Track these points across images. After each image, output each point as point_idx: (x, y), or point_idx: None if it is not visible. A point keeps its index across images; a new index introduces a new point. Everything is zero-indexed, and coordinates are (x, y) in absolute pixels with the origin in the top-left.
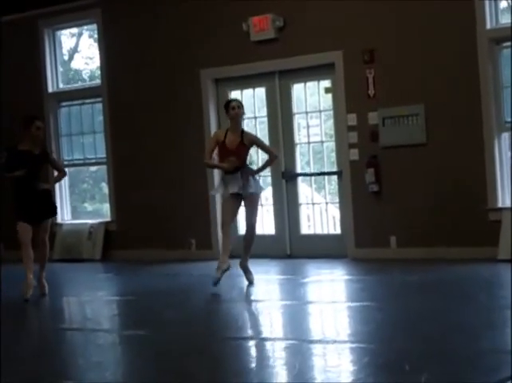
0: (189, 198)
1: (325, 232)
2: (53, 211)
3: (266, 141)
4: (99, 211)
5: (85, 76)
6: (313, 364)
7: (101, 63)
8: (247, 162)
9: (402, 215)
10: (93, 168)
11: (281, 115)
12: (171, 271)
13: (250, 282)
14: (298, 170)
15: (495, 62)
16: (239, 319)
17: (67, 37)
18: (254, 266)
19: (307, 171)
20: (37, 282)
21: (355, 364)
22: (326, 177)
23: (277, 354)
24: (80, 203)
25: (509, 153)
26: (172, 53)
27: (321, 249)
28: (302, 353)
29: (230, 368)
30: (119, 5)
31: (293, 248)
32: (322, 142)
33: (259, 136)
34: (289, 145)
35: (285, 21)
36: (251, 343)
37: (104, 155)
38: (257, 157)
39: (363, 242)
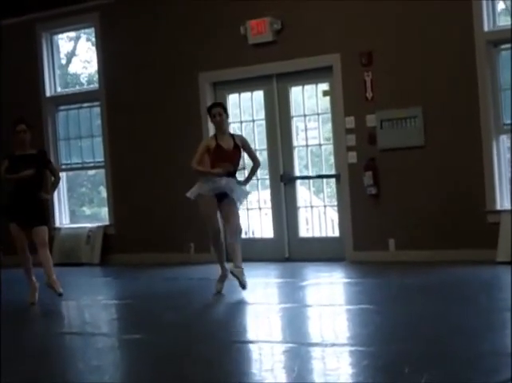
0: (187, 201)
1: (324, 235)
2: (40, 220)
3: (264, 144)
4: (97, 214)
5: (83, 80)
6: (312, 367)
7: (99, 67)
8: (239, 167)
9: (400, 218)
10: (91, 172)
11: (279, 118)
12: (170, 275)
13: (223, 278)
14: (297, 173)
15: (493, 64)
16: (238, 322)
17: (65, 41)
18: (253, 270)
19: (305, 174)
20: (49, 285)
21: (354, 367)
22: (324, 180)
23: (276, 357)
24: (79, 206)
25: (507, 155)
26: (170, 57)
27: (320, 252)
28: (301, 357)
29: (229, 371)
30: (116, 9)
31: (292, 251)
32: (320, 145)
33: (257, 139)
34: (288, 148)
35: (283, 24)
36: (250, 346)
37: (103, 159)
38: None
39: (361, 245)
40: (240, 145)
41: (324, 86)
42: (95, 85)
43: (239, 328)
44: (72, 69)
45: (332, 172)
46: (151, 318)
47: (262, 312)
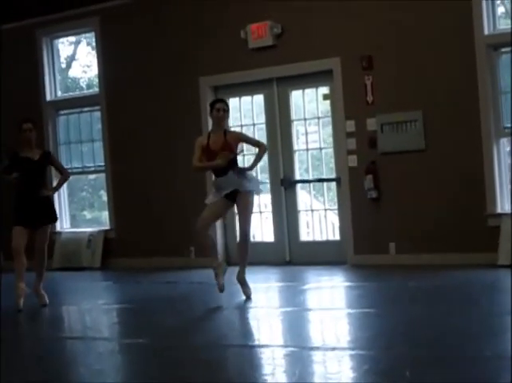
0: (188, 205)
1: (324, 239)
2: (51, 217)
3: None
4: (98, 219)
5: (83, 84)
6: (313, 371)
7: (99, 71)
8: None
9: (401, 222)
10: (92, 176)
11: (279, 122)
12: (171, 279)
13: (247, 297)
14: (297, 177)
15: (493, 68)
16: (239, 326)
17: (65, 46)
18: (254, 274)
19: (306, 177)
20: (36, 293)
21: (355, 371)
22: (325, 184)
23: (277, 361)
24: (79, 211)
25: (508, 159)
26: (171, 61)
27: (321, 255)
28: (302, 360)
29: (230, 375)
30: (117, 14)
31: (293, 255)
32: (321, 149)
33: None
34: (288, 152)
35: (283, 28)
36: (251, 350)
37: (103, 164)
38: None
39: (362, 249)
40: (232, 142)
41: (325, 90)
42: (95, 90)
43: (240, 332)
44: (72, 73)
45: (333, 176)
46: (152, 322)
47: (263, 316)
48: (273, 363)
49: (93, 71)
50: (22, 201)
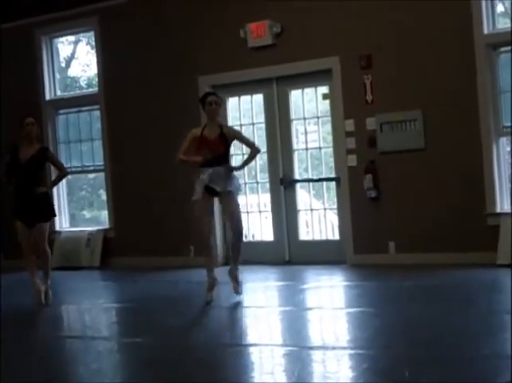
0: (187, 204)
1: (324, 238)
2: (46, 215)
3: (264, 148)
4: (97, 218)
5: (83, 83)
6: (313, 370)
7: (99, 70)
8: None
9: (400, 221)
10: (91, 175)
11: (278, 121)
12: (170, 278)
13: (237, 293)
14: (296, 176)
15: (493, 67)
16: (238, 326)
17: (64, 45)
18: (253, 273)
19: (305, 177)
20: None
21: (354, 370)
22: (324, 183)
23: (276, 361)
24: (79, 210)
25: (507, 158)
26: (170, 60)
27: (320, 255)
28: (301, 360)
29: (229, 375)
30: (116, 13)
31: (292, 254)
32: (320, 148)
33: (257, 142)
34: (287, 151)
35: (283, 27)
36: (250, 350)
37: (102, 163)
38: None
39: (361, 248)
40: (228, 136)
41: (324, 89)
42: (94, 89)
43: (239, 331)
44: (71, 72)
45: (332, 175)
46: (151, 322)
47: (262, 315)
48: (272, 362)
49: (93, 70)
50: (19, 198)
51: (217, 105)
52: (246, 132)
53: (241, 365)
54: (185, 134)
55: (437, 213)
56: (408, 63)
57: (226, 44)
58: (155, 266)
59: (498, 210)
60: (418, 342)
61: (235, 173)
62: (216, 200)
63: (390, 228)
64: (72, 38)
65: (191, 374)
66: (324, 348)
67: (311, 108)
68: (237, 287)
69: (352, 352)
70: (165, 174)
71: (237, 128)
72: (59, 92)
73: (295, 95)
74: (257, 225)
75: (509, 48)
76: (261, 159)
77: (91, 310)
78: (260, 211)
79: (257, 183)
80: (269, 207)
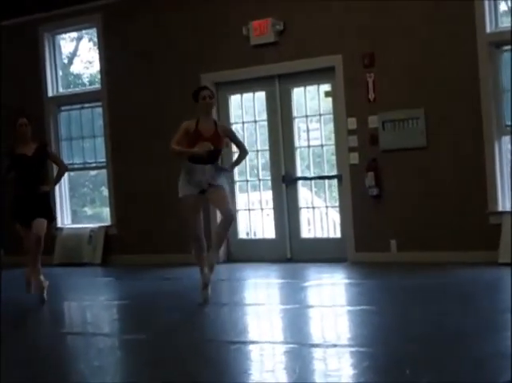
0: None
1: (325, 236)
2: (47, 213)
3: (266, 145)
4: (99, 215)
5: (85, 80)
6: (314, 368)
7: (101, 67)
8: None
9: (402, 219)
10: (93, 172)
11: (281, 119)
12: (172, 275)
13: (205, 285)
14: (298, 174)
15: (495, 66)
16: (239, 323)
17: (67, 42)
18: (254, 270)
19: (307, 175)
20: (27, 281)
21: (355, 368)
22: (326, 181)
23: (278, 358)
24: (80, 207)
25: (509, 156)
26: (172, 57)
27: (321, 253)
28: (302, 357)
29: (230, 372)
30: (119, 10)
31: (294, 252)
32: (322, 146)
33: (259, 140)
34: (289, 149)
35: (285, 25)
36: (251, 347)
37: (104, 160)
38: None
39: (363, 246)
40: (222, 134)
41: (327, 87)
42: (97, 86)
43: (240, 328)
44: (74, 69)
45: (334, 173)
46: (152, 319)
47: (263, 313)
48: (273, 360)
49: (95, 67)
50: (19, 197)
51: (211, 99)
52: (248, 129)
53: (242, 362)
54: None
55: (439, 211)
56: (411, 61)
57: (229, 41)
58: (157, 263)
59: (500, 208)
60: (419, 341)
61: (224, 173)
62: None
63: (391, 226)
64: (74, 35)
65: (192, 371)
66: (325, 346)
67: (313, 105)
68: (209, 276)
69: (353, 350)
70: (167, 171)
71: (239, 125)
72: (61, 89)
73: (297, 93)
74: (259, 222)
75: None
76: (263, 157)
77: (92, 307)
78: (262, 209)
79: (259, 180)
80: (270, 205)
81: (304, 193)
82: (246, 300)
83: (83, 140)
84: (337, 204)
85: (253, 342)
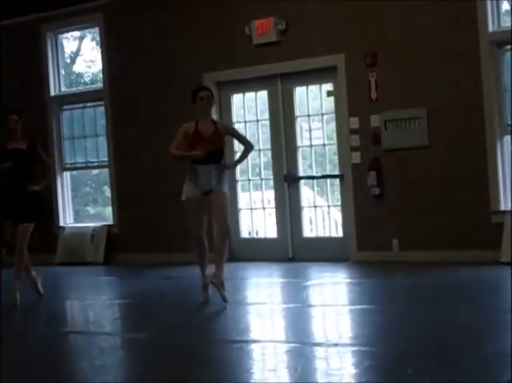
0: None
1: (327, 235)
2: (34, 215)
3: (268, 144)
4: (101, 214)
5: (87, 79)
6: (315, 367)
7: (103, 66)
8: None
9: (404, 218)
10: (95, 172)
11: (283, 118)
12: (174, 274)
13: (226, 300)
14: (300, 173)
15: (497, 65)
16: (241, 322)
17: (69, 41)
18: (256, 270)
19: (309, 174)
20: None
21: (357, 367)
22: (328, 180)
23: (279, 357)
24: (83, 206)
25: (511, 155)
26: (175, 57)
27: (323, 252)
28: (304, 356)
29: (232, 371)
30: (121, 9)
31: (296, 251)
32: (324, 145)
33: (261, 139)
34: (292, 148)
35: (288, 24)
36: (253, 346)
37: (107, 159)
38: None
39: (365, 245)
40: (223, 132)
41: (329, 86)
42: (99, 85)
43: (242, 327)
44: (76, 68)
45: (336, 172)
46: (154, 318)
47: (265, 312)
48: (275, 359)
49: (97, 66)
50: (8, 194)
51: (208, 101)
52: (250, 128)
53: (244, 361)
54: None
55: (441, 210)
56: (413, 61)
57: (231, 41)
58: (159, 262)
59: (502, 207)
60: (421, 340)
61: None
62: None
63: (393, 225)
64: (77, 34)
65: (194, 370)
66: (327, 345)
67: (315, 105)
68: (223, 293)
69: (355, 349)
70: (169, 170)
71: (241, 125)
72: (64, 88)
73: (300, 92)
74: (261, 222)
75: None
76: (265, 156)
77: (94, 306)
78: (264, 208)
79: (261, 179)
80: (272, 204)
81: (306, 192)
82: (248, 299)
83: (85, 139)
84: (339, 203)
85: (255, 341)
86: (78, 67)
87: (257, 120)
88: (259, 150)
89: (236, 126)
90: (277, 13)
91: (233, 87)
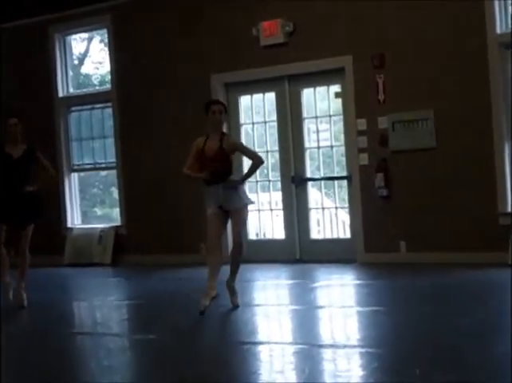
0: (198, 202)
1: (335, 237)
2: (33, 217)
3: (276, 146)
4: (109, 215)
5: (95, 81)
6: (323, 368)
7: (111, 68)
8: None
9: (411, 220)
10: (103, 173)
11: (290, 120)
12: (181, 275)
13: (235, 306)
14: (308, 175)
15: (505, 66)
16: (249, 323)
17: (77, 42)
18: (264, 271)
19: (317, 175)
20: (16, 293)
21: (364, 368)
22: (336, 182)
23: (287, 359)
24: (91, 207)
25: None
26: (183, 58)
27: (331, 253)
28: (312, 358)
29: (240, 372)
30: (129, 10)
31: (303, 253)
32: (332, 147)
33: (269, 140)
34: (299, 150)
35: (295, 25)
36: (261, 347)
37: (114, 160)
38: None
39: (372, 247)
40: (229, 150)
41: (336, 88)
42: (107, 86)
43: (250, 329)
44: (84, 69)
45: (344, 174)
46: (161, 319)
47: (273, 313)
48: (282, 360)
49: (105, 68)
50: (6, 198)
51: (220, 115)
52: (257, 130)
53: (251, 362)
54: (197, 133)
55: (448, 212)
56: (421, 62)
57: (239, 42)
58: (167, 263)
59: (510, 209)
60: (428, 341)
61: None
62: None
63: (401, 227)
64: (85, 36)
65: (201, 372)
66: (334, 346)
67: (323, 106)
68: (235, 300)
69: (363, 350)
70: (176, 172)
71: (249, 126)
72: (72, 90)
73: (307, 93)
74: (269, 223)
75: None
76: (272, 158)
77: (102, 307)
78: (271, 209)
79: (269, 181)
80: (280, 206)
81: (313, 194)
82: (255, 301)
83: (93, 141)
84: (347, 205)
85: (262, 343)
86: (86, 68)
87: (265, 122)
88: (267, 151)
89: (243, 128)
90: (284, 15)
91: (240, 88)
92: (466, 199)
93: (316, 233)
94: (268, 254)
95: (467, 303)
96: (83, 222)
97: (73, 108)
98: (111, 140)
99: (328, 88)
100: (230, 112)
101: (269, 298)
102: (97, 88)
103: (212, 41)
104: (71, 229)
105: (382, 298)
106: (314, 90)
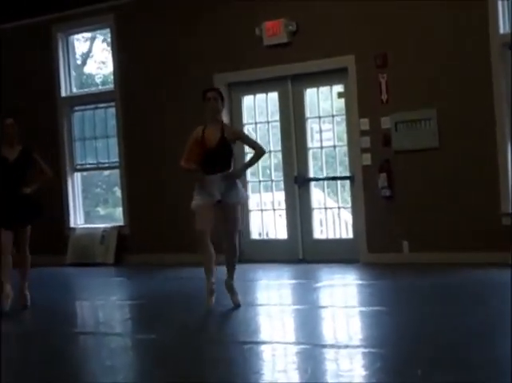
0: None
1: (338, 237)
2: (30, 218)
3: (279, 146)
4: (112, 215)
5: (98, 80)
6: (325, 368)
7: (114, 68)
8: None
9: (414, 220)
10: (106, 173)
11: (293, 119)
12: (184, 275)
13: (236, 305)
14: (311, 175)
15: (508, 67)
16: (252, 323)
17: (80, 42)
18: (266, 271)
19: (320, 175)
20: (19, 294)
21: (367, 368)
22: (339, 182)
23: (290, 359)
24: (93, 207)
25: None
26: (185, 58)
27: (334, 253)
28: (314, 358)
29: (242, 372)
30: (132, 10)
31: (306, 253)
32: (335, 147)
33: (272, 140)
34: (302, 150)
35: (298, 25)
36: (263, 347)
37: (117, 160)
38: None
39: (375, 247)
40: (230, 139)
41: (339, 88)
42: (110, 86)
43: (253, 329)
44: (87, 69)
45: (347, 174)
46: (164, 319)
47: (276, 313)
48: (285, 360)
49: (108, 67)
50: (4, 202)
51: (215, 101)
52: (260, 130)
53: (253, 362)
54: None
55: (451, 212)
56: (424, 62)
57: (242, 42)
58: (169, 263)
59: None
60: (430, 342)
61: (238, 180)
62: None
63: (404, 227)
64: (88, 35)
65: (204, 371)
66: (337, 346)
67: (326, 106)
68: (235, 299)
69: (365, 350)
70: (179, 171)
71: (252, 126)
72: (75, 89)
73: (310, 93)
74: (271, 223)
75: None
76: (275, 158)
77: (105, 307)
78: (274, 209)
79: (272, 181)
80: (283, 206)
81: (316, 194)
82: (258, 300)
83: (96, 141)
84: (350, 205)
85: (265, 342)
86: (89, 68)
87: (268, 122)
88: (269, 151)
89: (246, 127)
90: (287, 15)
91: (243, 88)
92: (468, 199)
93: (319, 233)
94: (271, 254)
95: (470, 303)
96: (86, 221)
97: (76, 108)
98: (114, 140)
99: (331, 88)
100: (232, 112)
101: (271, 297)
102: (100, 87)
103: (215, 41)
104: (74, 229)
105: (385, 298)
106: (317, 90)
